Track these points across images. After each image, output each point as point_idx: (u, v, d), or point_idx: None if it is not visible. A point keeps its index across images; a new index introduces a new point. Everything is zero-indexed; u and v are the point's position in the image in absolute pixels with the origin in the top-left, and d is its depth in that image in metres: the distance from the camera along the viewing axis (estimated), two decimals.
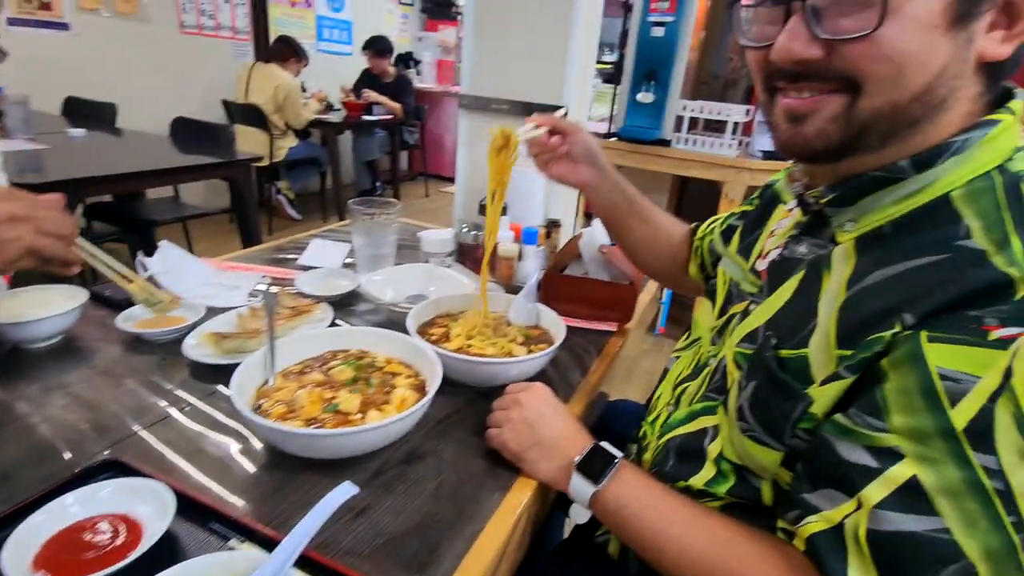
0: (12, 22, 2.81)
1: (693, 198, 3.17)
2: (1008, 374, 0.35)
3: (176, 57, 3.59)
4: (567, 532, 0.79)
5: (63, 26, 3.02)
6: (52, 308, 0.75)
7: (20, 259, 0.60)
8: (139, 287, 0.78)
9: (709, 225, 0.81)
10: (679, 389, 0.66)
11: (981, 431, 0.35)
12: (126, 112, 2.85)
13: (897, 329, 0.40)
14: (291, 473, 0.57)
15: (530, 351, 0.76)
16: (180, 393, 0.68)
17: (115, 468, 0.52)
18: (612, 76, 3.08)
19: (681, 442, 0.60)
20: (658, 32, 2.24)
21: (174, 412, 0.65)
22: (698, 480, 0.56)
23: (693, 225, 0.85)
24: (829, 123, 0.43)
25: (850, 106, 0.42)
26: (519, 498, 0.57)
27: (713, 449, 0.56)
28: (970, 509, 0.35)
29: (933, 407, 0.37)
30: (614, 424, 0.90)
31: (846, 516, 0.39)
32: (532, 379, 0.77)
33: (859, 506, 0.39)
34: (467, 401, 0.72)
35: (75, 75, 3.06)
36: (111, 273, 0.76)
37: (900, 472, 0.37)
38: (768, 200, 0.68)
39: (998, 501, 0.34)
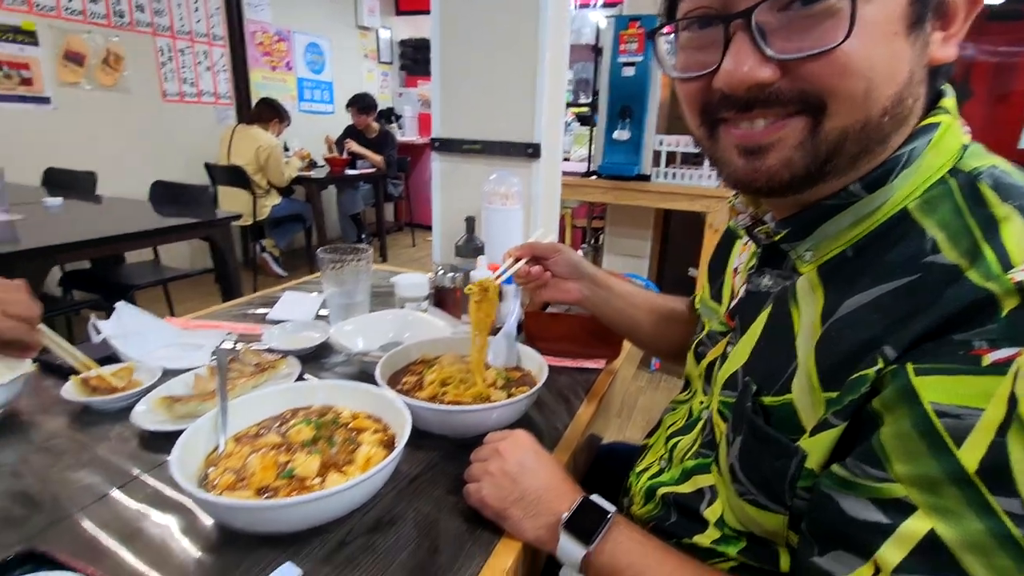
0: None
1: (677, 231, 3.17)
2: (1013, 402, 0.30)
3: (158, 124, 3.63)
4: None
5: (44, 100, 3.05)
6: None
7: None
8: (98, 380, 0.74)
9: (701, 293, 0.77)
10: (671, 443, 0.62)
11: (997, 471, 0.30)
12: (106, 180, 2.84)
13: (880, 365, 0.35)
14: (241, 552, 0.50)
15: (510, 395, 0.70)
16: (124, 467, 0.62)
17: (33, 560, 0.45)
18: (588, 118, 3.14)
19: (677, 499, 0.55)
20: (629, 72, 2.29)
21: (114, 490, 0.58)
22: (704, 539, 0.51)
23: (691, 298, 0.82)
24: (794, 151, 0.39)
25: (814, 129, 0.38)
26: (503, 564, 0.51)
27: (711, 514, 0.51)
28: (1003, 567, 0.30)
29: (937, 450, 0.32)
30: (609, 469, 0.83)
31: None
32: (514, 426, 0.72)
33: (877, 571, 0.33)
34: (443, 455, 0.66)
35: (55, 147, 3.08)
36: (73, 361, 0.76)
37: (915, 527, 0.32)
38: (725, 236, 0.66)
39: None
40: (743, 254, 0.59)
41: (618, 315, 0.80)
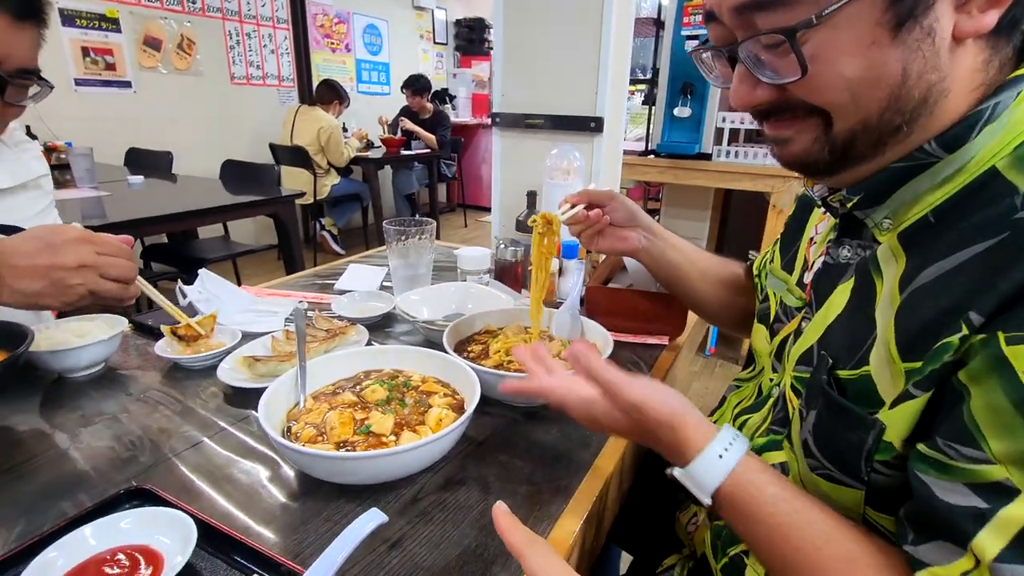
0: (79, 82, 3.03)
1: (737, 211, 3.06)
2: None
3: (226, 106, 3.80)
4: (624, 568, 0.71)
5: (126, 84, 3.25)
6: (93, 337, 0.75)
7: (81, 301, 0.66)
8: (186, 329, 0.81)
9: (763, 257, 0.74)
10: (740, 420, 0.60)
11: None
12: (181, 159, 3.01)
13: (965, 332, 0.33)
14: (322, 502, 0.53)
15: None
16: (213, 418, 0.66)
17: (140, 496, 0.50)
18: (647, 96, 3.05)
19: None
20: (692, 45, 2.20)
21: (205, 438, 0.62)
22: None
23: (748, 262, 0.79)
24: (811, 144, 0.42)
25: (827, 128, 0.41)
26: (570, 528, 0.51)
27: None
28: None
29: None
30: None
31: (964, 574, 0.32)
32: None
33: (977, 563, 0.31)
34: (508, 422, 0.67)
35: (136, 128, 3.28)
36: (169, 310, 0.82)
37: (1017, 512, 0.30)
38: (802, 206, 0.63)
39: None
40: (822, 223, 0.57)
41: (674, 270, 0.78)
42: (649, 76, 2.84)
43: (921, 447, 0.36)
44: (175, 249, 2.72)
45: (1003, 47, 0.39)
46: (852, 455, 0.40)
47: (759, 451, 0.54)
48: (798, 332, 0.52)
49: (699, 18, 2.18)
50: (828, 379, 0.43)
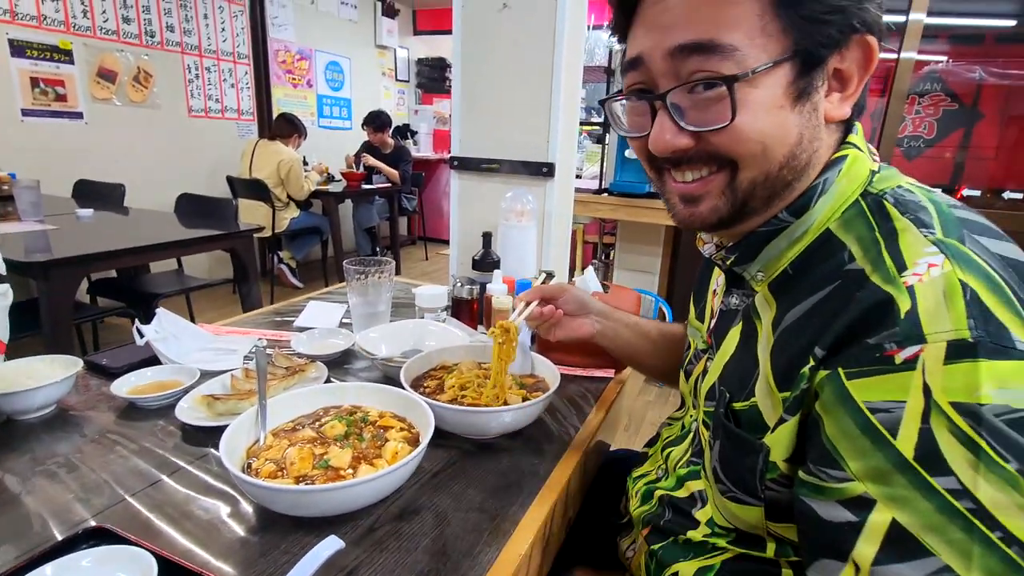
0: (26, 112, 2.96)
1: (687, 246, 3.21)
2: (927, 392, 0.35)
3: (183, 139, 3.75)
4: None
5: (77, 115, 3.18)
6: (45, 378, 0.75)
7: None
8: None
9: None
10: (666, 452, 0.67)
11: (930, 455, 0.35)
12: (134, 192, 2.95)
13: (813, 363, 0.41)
14: (280, 535, 0.55)
15: (525, 399, 0.75)
16: (171, 458, 0.67)
17: (99, 536, 0.51)
18: (600, 137, 3.21)
19: (673, 500, 0.61)
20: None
21: (164, 477, 0.64)
22: (696, 534, 0.56)
23: (685, 322, 0.86)
24: (719, 199, 0.48)
25: (732, 180, 0.46)
26: (518, 550, 0.55)
27: (702, 515, 0.56)
28: (957, 539, 0.34)
29: (879, 442, 0.36)
30: (616, 474, 0.87)
31: None
32: (528, 427, 0.77)
33: (858, 569, 0.37)
34: (462, 453, 0.71)
35: (86, 160, 3.20)
36: None
37: (879, 519, 0.36)
38: (706, 262, 0.71)
39: (977, 522, 0.33)
40: (720, 277, 0.65)
41: (629, 347, 0.82)
42: (602, 119, 3.00)
43: (801, 474, 0.42)
44: (125, 284, 2.64)
45: (842, 133, 0.48)
46: (748, 476, 0.47)
47: (682, 480, 0.61)
48: (704, 372, 0.59)
49: None
50: (725, 412, 0.50)
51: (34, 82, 2.97)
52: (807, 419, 0.42)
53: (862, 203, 0.45)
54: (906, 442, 0.35)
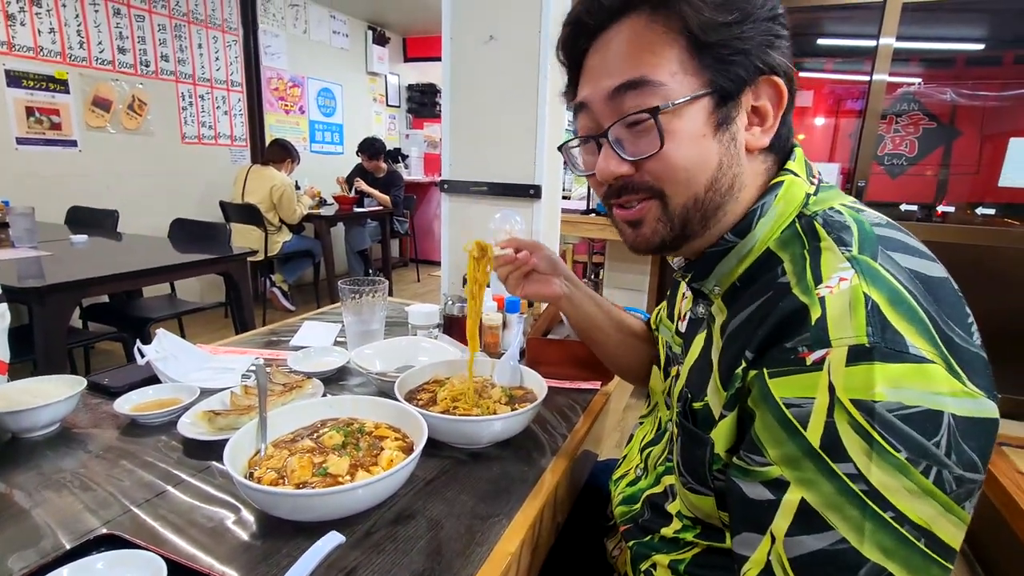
0: (21, 141, 3.00)
1: None
2: (831, 389, 0.40)
3: (177, 165, 3.80)
4: None
5: (71, 143, 3.22)
6: (47, 397, 0.78)
7: None
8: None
9: (657, 313, 0.85)
10: (645, 452, 0.72)
11: (833, 444, 0.39)
12: (128, 218, 2.98)
13: (744, 365, 0.46)
14: (282, 539, 0.58)
15: (514, 409, 0.78)
16: (174, 471, 0.70)
17: (109, 542, 0.53)
18: None
19: (652, 499, 0.66)
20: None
21: (169, 487, 0.66)
22: (668, 530, 0.61)
23: (647, 319, 0.90)
24: (657, 223, 0.53)
25: (665, 207, 0.52)
26: (508, 550, 0.58)
27: (673, 508, 0.61)
28: (852, 516, 0.38)
29: (792, 433, 0.41)
30: (602, 482, 0.91)
31: (768, 553, 0.42)
32: (517, 438, 0.80)
33: (774, 540, 0.42)
34: (455, 463, 0.74)
35: (81, 187, 3.23)
36: None
37: (792, 498, 0.41)
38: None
39: (870, 502, 0.38)
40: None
41: (591, 320, 0.84)
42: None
43: (733, 459, 0.47)
44: (118, 308, 2.66)
45: (773, 163, 0.54)
46: (700, 468, 0.52)
47: (660, 476, 0.66)
48: (676, 376, 0.63)
49: None
50: (684, 411, 0.55)
51: (29, 111, 3.02)
52: (743, 414, 0.47)
53: (797, 224, 0.51)
54: (814, 432, 0.40)
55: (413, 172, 5.69)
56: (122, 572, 0.49)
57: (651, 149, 0.50)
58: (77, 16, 3.17)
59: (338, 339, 1.18)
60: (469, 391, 0.82)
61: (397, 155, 5.59)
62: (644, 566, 0.62)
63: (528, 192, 1.41)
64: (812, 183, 0.54)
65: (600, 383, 1.01)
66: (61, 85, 3.15)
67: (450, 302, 1.18)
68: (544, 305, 1.29)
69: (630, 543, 0.65)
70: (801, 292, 0.44)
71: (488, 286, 0.85)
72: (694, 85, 0.49)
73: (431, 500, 0.66)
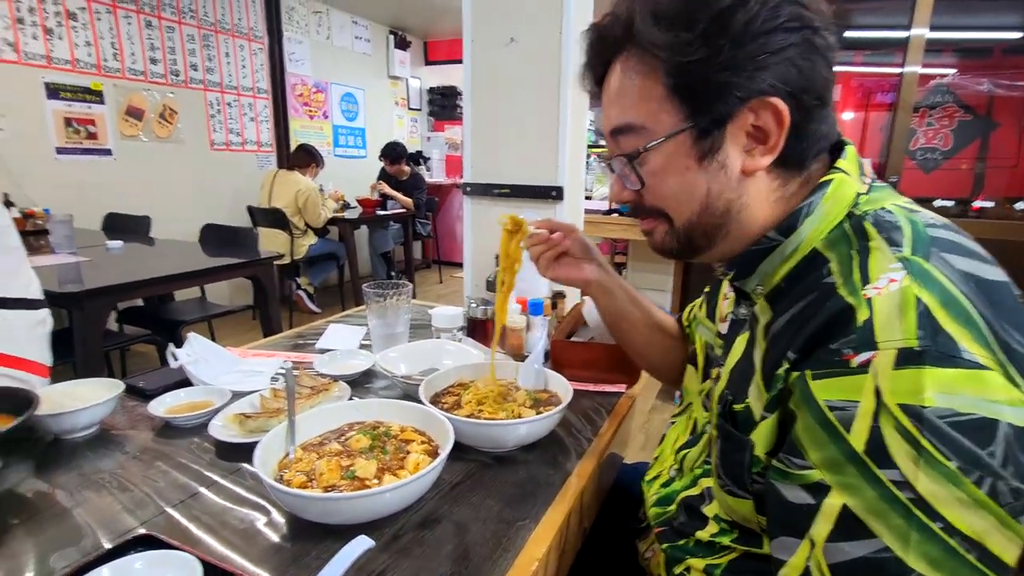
0: (60, 151, 3.11)
1: (700, 264, 3.23)
2: (878, 393, 0.38)
3: (206, 171, 3.90)
4: None
5: (106, 152, 3.33)
6: (87, 400, 0.80)
7: None
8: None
9: (691, 310, 0.84)
10: (680, 455, 0.70)
11: (878, 449, 0.38)
12: (160, 223, 3.07)
13: (787, 366, 0.45)
14: (312, 542, 0.58)
15: (539, 413, 0.78)
16: (206, 472, 0.72)
17: (147, 543, 0.55)
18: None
19: (688, 501, 0.64)
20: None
21: (202, 489, 0.68)
22: (704, 534, 0.60)
23: (678, 315, 0.88)
24: (664, 237, 0.58)
25: (671, 226, 0.56)
26: (535, 555, 0.58)
27: (710, 511, 0.60)
28: (897, 524, 0.37)
29: (834, 436, 0.40)
30: (629, 485, 0.90)
31: (807, 559, 0.41)
32: (543, 440, 0.80)
33: (813, 545, 0.41)
34: (480, 467, 0.74)
35: (115, 194, 3.34)
36: None
37: (833, 503, 0.40)
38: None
39: (917, 511, 0.36)
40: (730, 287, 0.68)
41: (621, 307, 0.82)
42: None
43: (773, 461, 0.46)
44: (151, 311, 2.73)
45: (794, 173, 0.52)
46: (739, 471, 0.51)
47: (697, 479, 0.64)
48: (718, 378, 0.62)
49: None
50: (724, 412, 0.54)
51: (67, 122, 3.13)
52: (784, 416, 0.46)
53: (846, 224, 0.49)
54: (858, 436, 0.39)
55: (435, 174, 5.74)
56: (160, 572, 0.50)
57: (635, 185, 0.56)
58: (111, 29, 3.28)
59: (363, 342, 1.19)
60: (493, 393, 0.82)
61: (419, 158, 5.64)
62: (678, 570, 0.61)
63: (550, 194, 1.40)
64: (864, 182, 0.52)
65: (625, 386, 1.00)
66: (96, 96, 3.25)
67: (473, 304, 1.18)
68: (568, 308, 1.29)
69: (664, 545, 0.64)
70: (847, 293, 0.43)
71: (519, 266, 0.84)
72: (673, 122, 0.51)
73: (457, 504, 0.66)
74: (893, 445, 0.37)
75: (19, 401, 0.72)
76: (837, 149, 0.54)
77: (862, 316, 0.41)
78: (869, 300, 0.41)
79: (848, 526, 0.39)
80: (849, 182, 0.51)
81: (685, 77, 0.49)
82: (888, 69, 3.67)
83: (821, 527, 0.40)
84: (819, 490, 0.41)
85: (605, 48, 0.56)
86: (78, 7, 3.11)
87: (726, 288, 0.70)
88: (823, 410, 0.41)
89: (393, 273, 4.86)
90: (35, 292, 0.93)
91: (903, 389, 0.37)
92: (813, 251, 0.50)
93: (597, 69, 0.57)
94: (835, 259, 0.47)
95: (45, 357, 0.91)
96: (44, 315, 0.93)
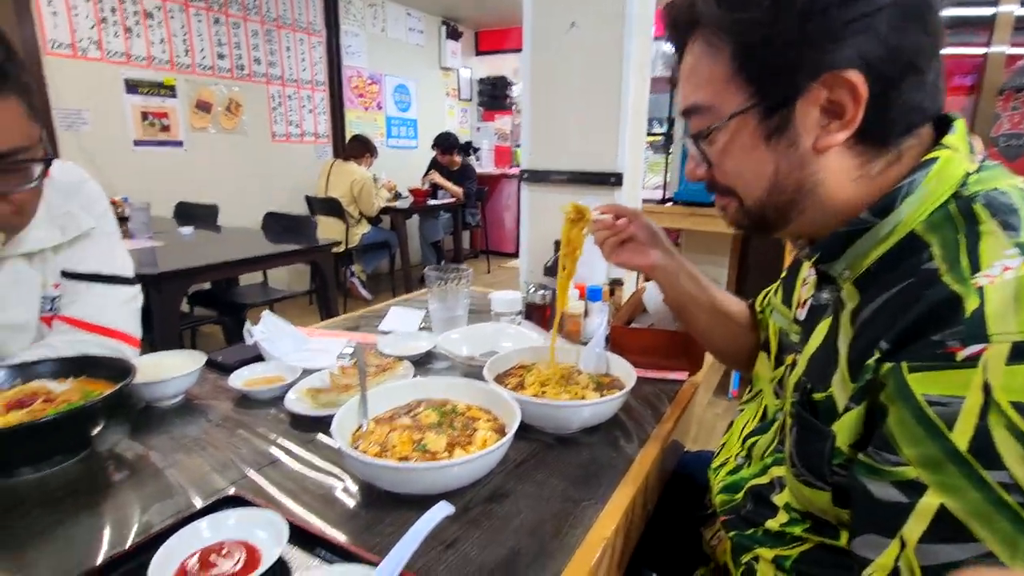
0: (137, 143, 3.31)
1: (757, 253, 3.12)
2: (987, 389, 0.36)
3: (268, 161, 4.07)
4: None
5: (178, 144, 3.53)
6: (175, 371, 0.86)
7: None
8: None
9: (766, 296, 0.81)
10: (749, 442, 0.68)
11: (985, 449, 0.36)
12: (226, 211, 3.23)
13: (878, 356, 0.42)
14: (385, 509, 0.61)
15: (602, 396, 0.78)
16: (283, 441, 0.75)
17: (235, 502, 0.58)
18: (663, 146, 3.21)
19: (756, 489, 0.62)
20: None
21: (280, 456, 0.71)
22: (774, 523, 0.58)
23: (751, 301, 0.85)
24: (735, 214, 0.57)
25: (741, 203, 0.55)
26: (602, 534, 0.58)
27: (780, 500, 0.58)
28: (1003, 529, 0.35)
29: (934, 433, 0.38)
30: (692, 472, 0.89)
31: (897, 559, 0.39)
32: (605, 424, 0.80)
33: (904, 545, 0.39)
34: (544, 446, 0.75)
35: (186, 183, 3.53)
36: None
37: (928, 503, 0.38)
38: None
39: None
40: (811, 269, 0.66)
41: (686, 293, 0.80)
42: (665, 129, 2.99)
43: (860, 456, 0.44)
44: (217, 294, 2.89)
45: (880, 149, 0.48)
46: (817, 461, 0.49)
47: (767, 467, 0.62)
48: (793, 365, 0.60)
49: None
50: (803, 400, 0.52)
51: (144, 115, 3.32)
52: (873, 408, 0.44)
53: (951, 205, 0.45)
54: (961, 435, 0.37)
55: (484, 164, 5.77)
56: (249, 527, 0.54)
57: (705, 164, 0.56)
58: (183, 26, 3.46)
59: (422, 325, 1.22)
60: (556, 376, 0.82)
61: (469, 148, 5.69)
62: (746, 558, 0.60)
63: (609, 180, 1.39)
64: (975, 160, 0.48)
65: (687, 373, 0.98)
66: (169, 91, 3.44)
67: (532, 289, 1.18)
68: (625, 296, 1.28)
69: (730, 533, 0.63)
70: (954, 280, 0.40)
71: (580, 252, 0.84)
72: (738, 102, 0.50)
73: (522, 481, 0.67)
74: (1003, 445, 0.35)
75: (118, 370, 0.78)
76: (943, 124, 0.50)
77: (971, 306, 0.38)
78: (980, 289, 0.38)
79: (946, 528, 0.37)
80: (957, 160, 0.47)
81: (749, 57, 0.48)
82: (969, 49, 3.41)
83: (914, 527, 0.38)
84: (913, 488, 0.39)
85: (678, 30, 0.55)
86: (154, 6, 3.29)
87: (806, 272, 0.67)
88: (921, 405, 0.39)
89: (443, 262, 4.94)
90: (128, 271, 1.00)
91: (1017, 386, 0.35)
92: (910, 234, 0.47)
93: (677, 51, 0.57)
94: (938, 243, 0.44)
95: (136, 330, 0.98)
96: (136, 291, 1.00)
